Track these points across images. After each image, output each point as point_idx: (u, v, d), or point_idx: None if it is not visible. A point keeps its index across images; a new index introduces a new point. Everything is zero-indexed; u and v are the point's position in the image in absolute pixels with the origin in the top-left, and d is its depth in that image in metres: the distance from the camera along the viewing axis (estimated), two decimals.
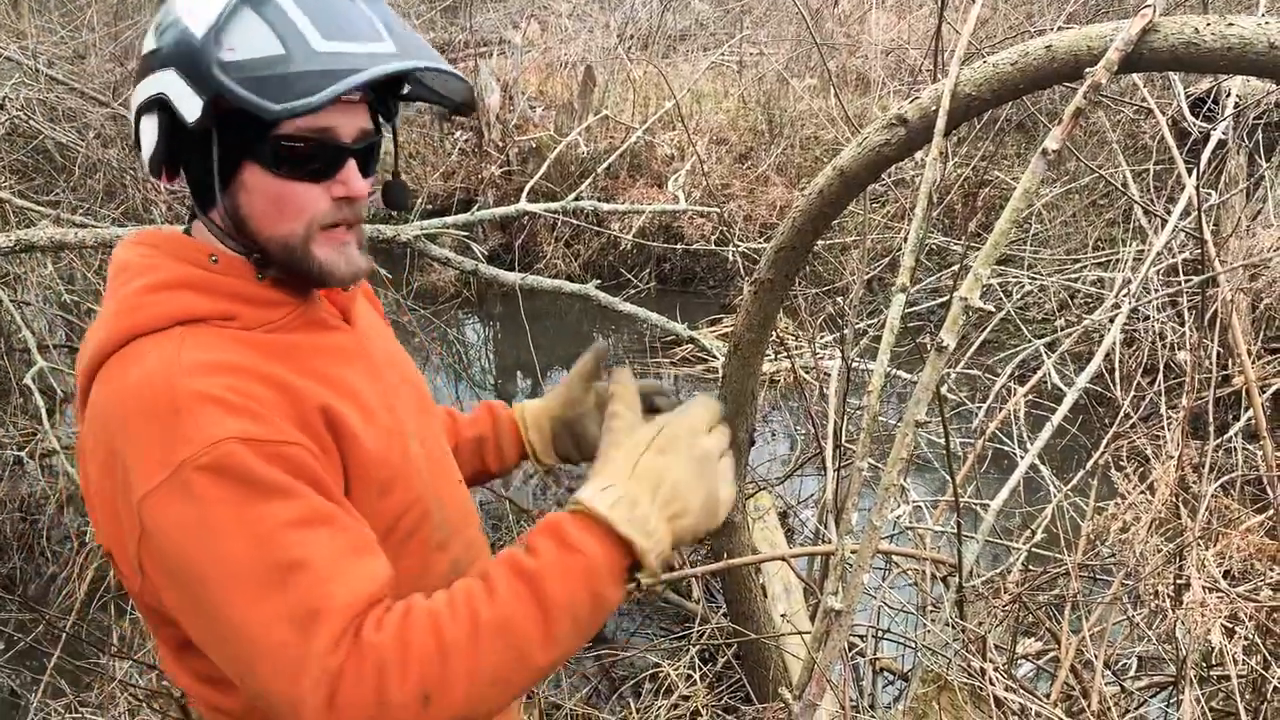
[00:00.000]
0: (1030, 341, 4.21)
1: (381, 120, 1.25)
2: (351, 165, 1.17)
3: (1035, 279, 5.67)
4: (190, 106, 1.08)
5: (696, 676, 2.85)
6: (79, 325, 5.47)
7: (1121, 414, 2.56)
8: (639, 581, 1.09)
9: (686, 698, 2.78)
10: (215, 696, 1.19)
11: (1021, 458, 2.62)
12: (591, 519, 1.08)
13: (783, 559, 2.28)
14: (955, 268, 6.66)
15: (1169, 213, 3.15)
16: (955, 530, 2.16)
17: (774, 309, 2.37)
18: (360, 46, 1.09)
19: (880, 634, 2.52)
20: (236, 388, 1.06)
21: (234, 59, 1.06)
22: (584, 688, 3.45)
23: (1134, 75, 5.22)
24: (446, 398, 6.94)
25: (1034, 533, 2.45)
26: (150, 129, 1.14)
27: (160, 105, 1.11)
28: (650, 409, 1.42)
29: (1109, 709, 2.15)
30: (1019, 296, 5.72)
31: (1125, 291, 3.27)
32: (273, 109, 1.05)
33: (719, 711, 2.78)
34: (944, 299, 6.05)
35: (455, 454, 1.59)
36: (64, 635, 3.31)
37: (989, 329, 4.97)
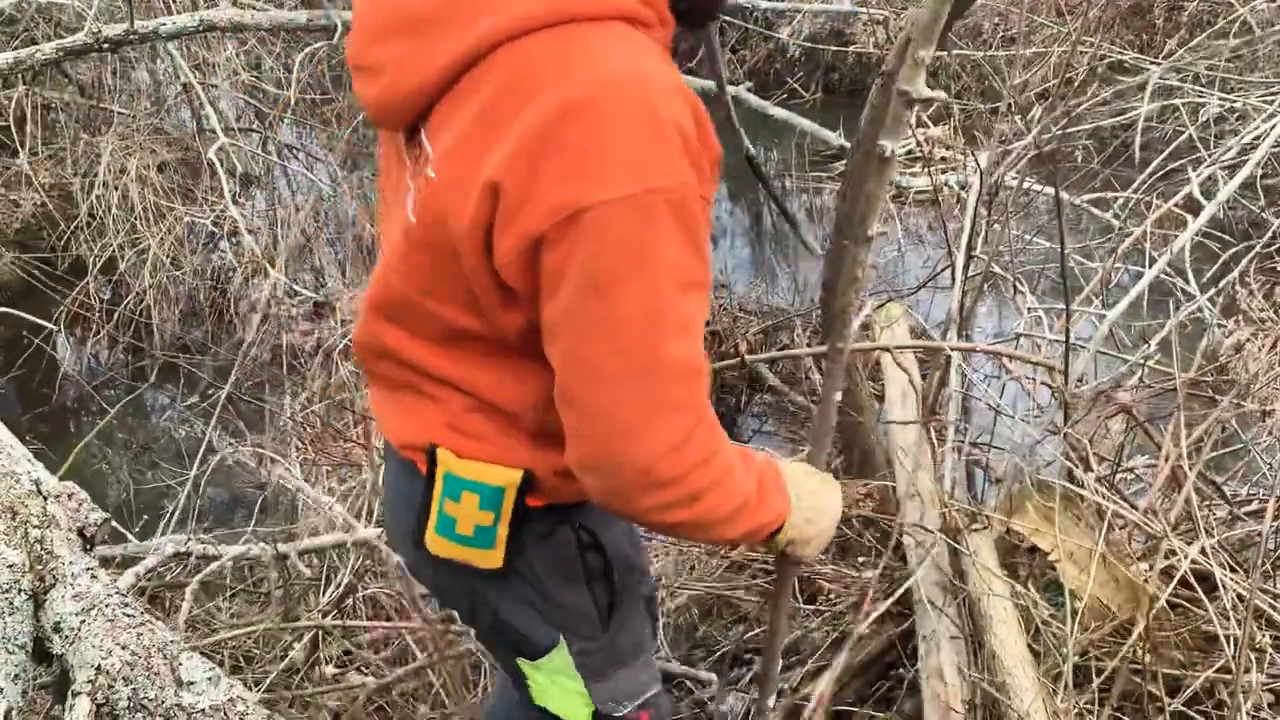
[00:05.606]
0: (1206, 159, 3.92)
1: None
2: None
3: (1225, 100, 5.21)
4: None
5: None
6: (262, 109, 5.86)
7: (1270, 234, 2.44)
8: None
9: None
10: (502, 392, 1.23)
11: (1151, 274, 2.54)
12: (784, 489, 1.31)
13: (886, 349, 2.34)
14: (1147, 85, 6.18)
15: None
16: (1064, 337, 2.16)
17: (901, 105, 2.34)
18: None
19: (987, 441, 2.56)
20: (690, 125, 1.04)
21: None
22: None
23: None
24: None
25: (1150, 345, 2.40)
26: None
27: None
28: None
29: (1199, 523, 2.16)
30: (1203, 118, 5.28)
31: None
32: None
33: None
34: (1126, 116, 5.66)
35: None
36: (245, 385, 3.75)
37: (1166, 154, 4.66)
